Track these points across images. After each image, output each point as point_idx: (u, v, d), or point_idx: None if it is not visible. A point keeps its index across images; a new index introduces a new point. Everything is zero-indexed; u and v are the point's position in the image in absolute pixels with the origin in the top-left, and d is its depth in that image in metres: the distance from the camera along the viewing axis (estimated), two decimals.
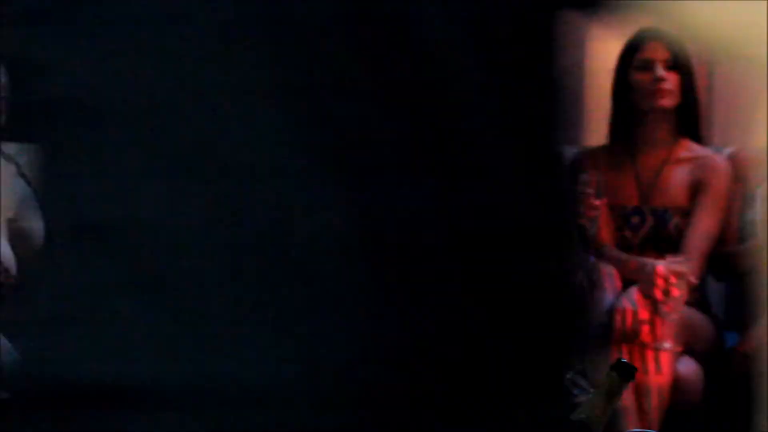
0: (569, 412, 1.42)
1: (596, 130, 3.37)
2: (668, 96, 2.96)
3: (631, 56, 3.02)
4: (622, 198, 3.07)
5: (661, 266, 2.70)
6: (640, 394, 2.72)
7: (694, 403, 2.80)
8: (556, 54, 0.92)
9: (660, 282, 2.68)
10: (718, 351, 3.00)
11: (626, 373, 1.46)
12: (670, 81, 2.95)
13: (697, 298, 3.06)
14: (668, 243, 3.02)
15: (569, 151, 2.99)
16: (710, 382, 2.92)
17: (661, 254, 2.96)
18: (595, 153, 3.22)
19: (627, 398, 2.69)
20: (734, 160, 3.12)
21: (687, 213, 2.99)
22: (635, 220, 3.05)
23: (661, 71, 2.93)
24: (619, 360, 1.47)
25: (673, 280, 2.68)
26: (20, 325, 0.83)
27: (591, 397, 1.48)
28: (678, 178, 3.02)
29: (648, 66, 2.98)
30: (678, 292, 2.69)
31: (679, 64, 2.97)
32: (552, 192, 0.81)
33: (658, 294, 2.69)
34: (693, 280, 2.74)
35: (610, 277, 2.83)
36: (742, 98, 3.52)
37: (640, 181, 3.07)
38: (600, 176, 2.95)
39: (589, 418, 1.48)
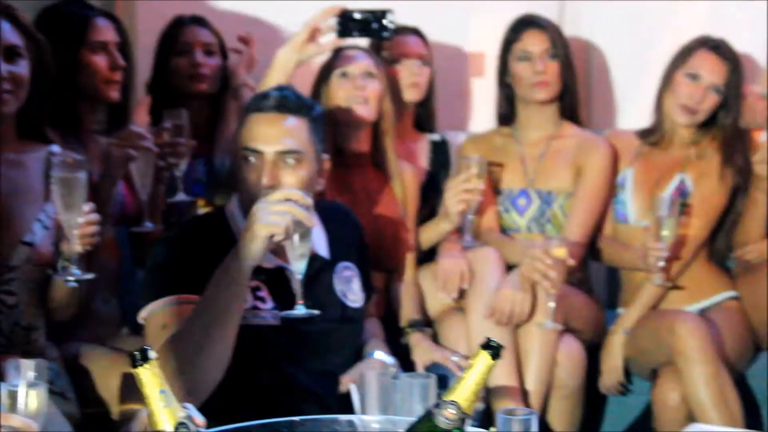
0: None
1: (484, 116, 3.40)
2: (547, 88, 3.01)
3: (512, 46, 3.05)
4: (508, 181, 3.11)
5: (541, 248, 2.74)
6: (524, 373, 2.76)
7: (577, 382, 2.85)
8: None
9: (539, 264, 2.72)
10: (599, 330, 3.06)
11: (494, 352, 1.47)
12: (550, 72, 2.99)
13: (580, 278, 3.11)
14: (554, 224, 3.07)
15: (457, 137, 3.03)
16: (592, 361, 2.97)
17: (548, 236, 3.01)
18: (481, 138, 3.25)
19: (510, 377, 2.72)
20: (612, 141, 3.18)
21: (571, 194, 3.04)
22: (521, 202, 3.09)
23: (540, 65, 2.97)
24: (488, 340, 1.48)
25: (552, 261, 2.71)
26: None
27: (461, 376, 1.49)
28: (561, 160, 3.07)
29: (527, 56, 3.01)
30: (557, 273, 2.72)
31: (558, 53, 3.00)
32: None
33: (538, 276, 2.73)
34: (572, 261, 2.78)
35: (496, 259, 2.85)
36: (620, 80, 3.59)
37: (526, 164, 3.11)
38: (485, 161, 2.97)
39: (459, 397, 1.48)
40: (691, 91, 3.02)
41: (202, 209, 2.97)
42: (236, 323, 2.00)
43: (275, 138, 2.14)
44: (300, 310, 2.06)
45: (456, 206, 2.83)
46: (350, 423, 1.69)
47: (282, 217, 1.96)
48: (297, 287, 2.06)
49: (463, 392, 1.48)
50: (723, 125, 3.05)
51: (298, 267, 2.05)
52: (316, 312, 2.07)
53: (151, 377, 1.36)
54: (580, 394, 2.86)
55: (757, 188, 2.99)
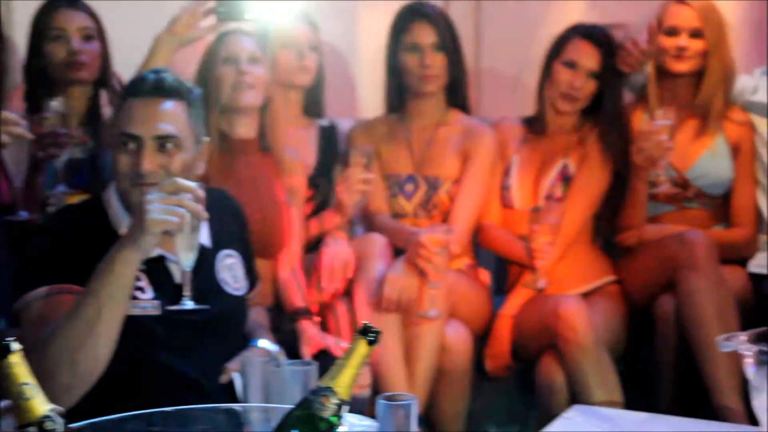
0: None
1: (373, 103, 3.39)
2: (434, 80, 3.02)
3: (400, 37, 3.05)
4: (397, 167, 3.11)
5: (425, 235, 2.74)
6: (410, 359, 2.76)
7: (464, 367, 2.86)
8: None
9: (424, 251, 2.72)
10: (486, 315, 3.08)
11: (371, 337, 1.45)
12: (437, 64, 2.99)
13: (467, 264, 3.13)
14: (441, 209, 3.08)
15: (345, 123, 3.01)
16: (480, 346, 2.99)
17: (434, 221, 3.02)
18: (370, 125, 3.24)
19: (398, 364, 2.72)
20: (496, 129, 3.21)
21: (458, 180, 3.05)
22: (409, 187, 3.10)
23: (428, 57, 2.97)
24: (364, 325, 1.46)
25: (436, 248, 2.72)
26: None
27: (338, 362, 1.47)
28: (448, 146, 3.09)
29: (415, 48, 3.01)
30: (441, 260, 2.73)
31: (446, 44, 3.01)
32: None
33: (422, 263, 2.73)
34: (456, 248, 2.79)
35: (382, 246, 2.85)
36: (509, 69, 3.62)
37: (413, 150, 3.11)
38: (374, 147, 2.97)
39: (336, 383, 1.46)
40: (570, 79, 3.06)
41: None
42: (121, 318, 1.94)
43: (153, 122, 2.09)
44: (187, 304, 2.01)
45: (349, 198, 2.82)
46: (230, 412, 1.65)
47: (174, 211, 1.91)
48: (184, 280, 2.01)
49: (341, 379, 1.46)
50: (603, 110, 3.09)
51: (185, 259, 2.00)
52: (204, 306, 2.03)
53: (14, 369, 1.30)
54: (467, 378, 2.88)
55: (635, 176, 3.05)
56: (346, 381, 1.47)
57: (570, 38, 3.09)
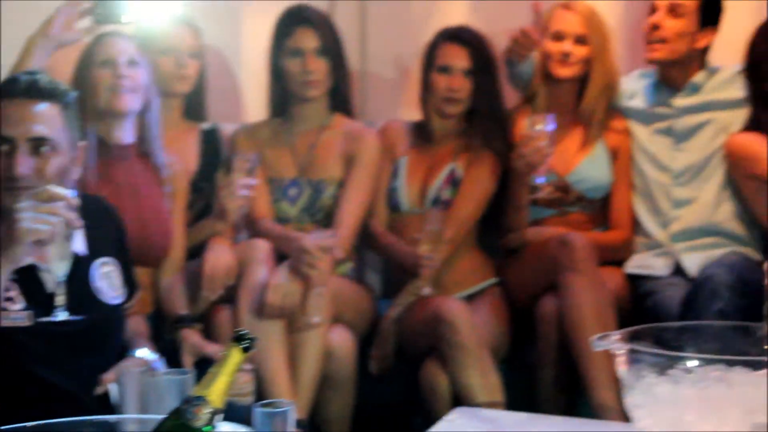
0: None
1: (257, 107, 3.36)
2: (317, 85, 3.01)
3: (282, 42, 3.03)
4: (280, 171, 3.09)
5: (309, 241, 2.73)
6: (294, 365, 2.74)
7: (348, 372, 2.85)
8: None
9: (307, 256, 2.71)
10: (372, 319, 3.08)
11: (245, 344, 1.43)
12: (320, 69, 2.98)
13: (352, 268, 3.12)
14: (326, 213, 3.07)
15: (229, 128, 2.96)
16: (365, 349, 2.98)
17: (319, 225, 3.00)
18: (253, 129, 3.21)
19: (282, 370, 2.70)
20: (383, 131, 3.22)
21: (342, 184, 3.05)
22: (293, 192, 3.08)
23: (310, 63, 2.96)
24: (239, 332, 1.44)
25: (320, 254, 2.71)
26: None
27: (211, 370, 1.44)
28: (332, 150, 3.08)
29: (298, 53, 2.99)
30: (325, 265, 2.72)
31: (329, 49, 3.00)
32: None
33: (306, 268, 2.72)
34: (339, 253, 2.79)
35: (266, 252, 2.82)
36: (393, 73, 3.63)
37: (297, 154, 3.10)
38: (257, 152, 2.94)
39: (209, 392, 1.44)
40: (447, 84, 3.10)
41: None
42: None
43: (26, 124, 2.03)
44: (60, 315, 1.95)
45: (232, 204, 2.78)
46: (101, 424, 1.61)
47: (47, 220, 1.85)
48: (58, 291, 1.95)
49: (214, 387, 1.43)
50: (480, 111, 3.12)
51: (58, 269, 1.94)
52: (78, 318, 1.97)
53: None
54: (352, 383, 2.87)
55: (516, 180, 3.09)
56: (219, 389, 1.44)
57: (438, 44, 3.13)
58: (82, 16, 2.57)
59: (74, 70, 2.75)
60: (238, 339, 1.45)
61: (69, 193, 1.92)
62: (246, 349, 1.45)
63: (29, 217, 1.86)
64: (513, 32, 3.14)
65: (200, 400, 1.44)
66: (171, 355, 2.49)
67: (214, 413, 1.44)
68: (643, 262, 3.26)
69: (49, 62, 2.65)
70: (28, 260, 2.02)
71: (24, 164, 2.01)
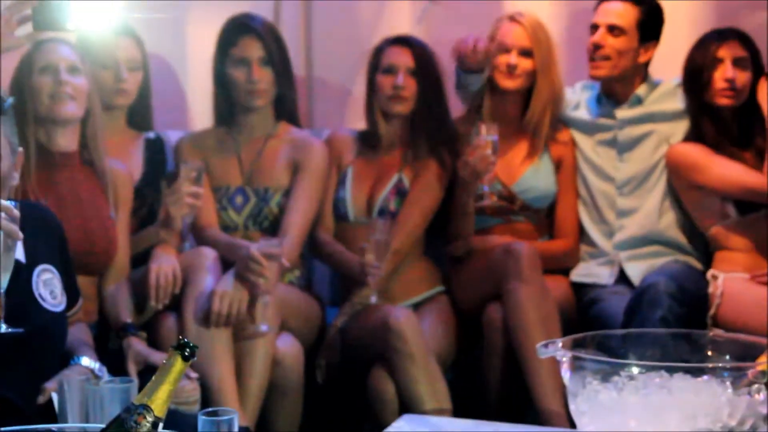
0: None
1: (202, 116, 3.33)
2: (262, 95, 3.00)
3: (227, 50, 3.01)
4: (226, 179, 3.06)
5: (255, 249, 2.71)
6: (241, 374, 2.71)
7: (296, 380, 2.83)
8: None
9: (253, 264, 2.69)
10: (319, 328, 3.06)
11: (186, 352, 1.41)
12: (265, 79, 2.96)
13: (299, 276, 3.10)
14: (272, 221, 3.05)
15: (174, 136, 2.93)
16: (311, 357, 2.96)
17: (265, 233, 2.98)
18: (198, 138, 3.18)
19: (229, 379, 2.67)
20: (330, 141, 3.21)
21: (288, 193, 3.03)
22: (239, 200, 3.05)
23: (255, 73, 2.94)
24: (180, 340, 1.42)
25: (265, 262, 2.69)
26: None
27: (153, 379, 1.41)
28: (278, 159, 3.07)
29: (243, 62, 2.98)
30: (271, 273, 2.70)
31: (273, 59, 2.99)
32: None
33: (252, 276, 2.69)
34: (285, 262, 2.77)
35: (212, 260, 2.79)
36: (341, 80, 3.61)
37: (243, 162, 3.08)
38: (202, 160, 2.92)
39: (151, 400, 1.41)
40: (392, 81, 3.09)
41: None
42: None
43: None
44: (2, 328, 1.91)
45: (177, 212, 2.75)
46: None
47: None
48: None
49: (156, 395, 1.41)
50: (426, 117, 3.12)
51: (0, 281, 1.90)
52: (20, 330, 1.92)
53: None
54: (299, 391, 2.86)
55: (462, 189, 3.10)
56: (161, 397, 1.42)
57: (384, 48, 3.13)
58: (21, 23, 2.52)
59: (13, 76, 2.70)
60: (180, 347, 1.42)
61: (9, 204, 1.88)
62: (187, 358, 1.42)
63: None
64: (459, 41, 3.14)
65: (142, 408, 1.41)
66: (115, 364, 2.45)
67: (156, 422, 1.42)
68: (587, 271, 3.29)
69: None
70: None
71: None
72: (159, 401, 1.42)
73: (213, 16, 3.21)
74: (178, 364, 1.41)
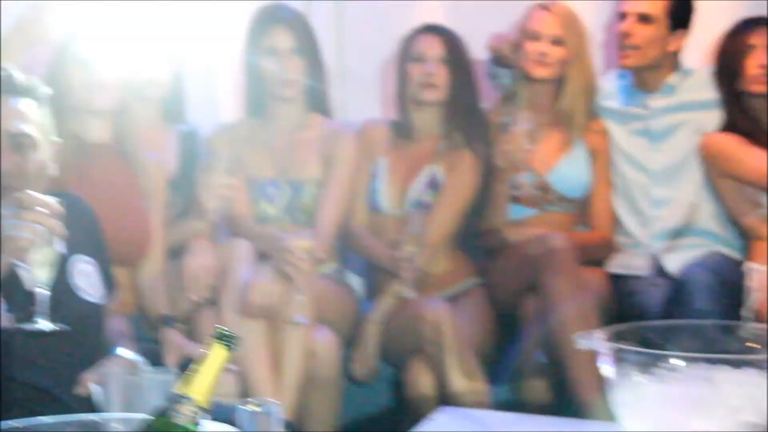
0: None
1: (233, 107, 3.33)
2: (294, 86, 3.00)
3: (257, 41, 3.00)
4: (259, 171, 3.06)
5: (290, 240, 2.71)
6: (278, 366, 2.71)
7: (332, 372, 2.83)
8: None
9: (289, 256, 2.68)
10: (354, 320, 3.05)
11: (228, 342, 1.41)
12: (296, 69, 3.00)
13: (333, 269, 3.10)
14: (306, 213, 3.05)
15: (206, 128, 2.93)
16: (347, 350, 2.96)
17: (299, 224, 2.97)
18: (231, 130, 3.18)
19: (266, 370, 2.68)
20: (362, 132, 3.19)
21: (321, 184, 3.02)
22: (272, 191, 3.05)
23: (286, 62, 2.95)
24: (220, 330, 1.41)
25: (302, 253, 2.69)
26: None
27: (195, 369, 1.41)
28: (310, 150, 3.06)
29: (273, 53, 2.98)
30: (307, 265, 2.70)
31: (304, 49, 2.99)
32: None
33: (288, 268, 2.69)
34: (321, 254, 2.77)
35: (247, 251, 2.79)
36: (371, 71, 3.60)
37: (275, 154, 3.07)
38: (236, 152, 2.92)
39: (193, 390, 1.41)
40: (422, 70, 3.08)
41: None
42: None
43: (6, 120, 1.99)
44: (41, 324, 1.92)
45: (211, 204, 2.75)
46: (85, 423, 1.58)
47: (31, 228, 1.82)
48: (38, 298, 1.91)
49: (197, 385, 1.41)
50: (459, 107, 3.10)
51: (41, 276, 1.91)
52: (62, 327, 1.94)
53: None
54: (336, 384, 2.85)
55: (496, 179, 3.08)
56: (203, 387, 1.42)
57: (414, 37, 3.12)
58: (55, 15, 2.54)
59: (48, 68, 2.71)
60: (220, 337, 1.42)
61: (52, 200, 1.89)
62: (228, 347, 1.42)
63: (12, 225, 1.83)
64: (494, 36, 3.13)
65: (184, 398, 1.41)
66: (154, 356, 2.46)
67: (199, 411, 1.42)
68: (624, 262, 3.26)
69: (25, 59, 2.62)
70: (10, 264, 1.98)
71: (6, 160, 1.98)
72: (201, 391, 1.41)
73: (242, 7, 3.21)
74: (219, 353, 1.41)
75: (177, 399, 1.41)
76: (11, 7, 2.67)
